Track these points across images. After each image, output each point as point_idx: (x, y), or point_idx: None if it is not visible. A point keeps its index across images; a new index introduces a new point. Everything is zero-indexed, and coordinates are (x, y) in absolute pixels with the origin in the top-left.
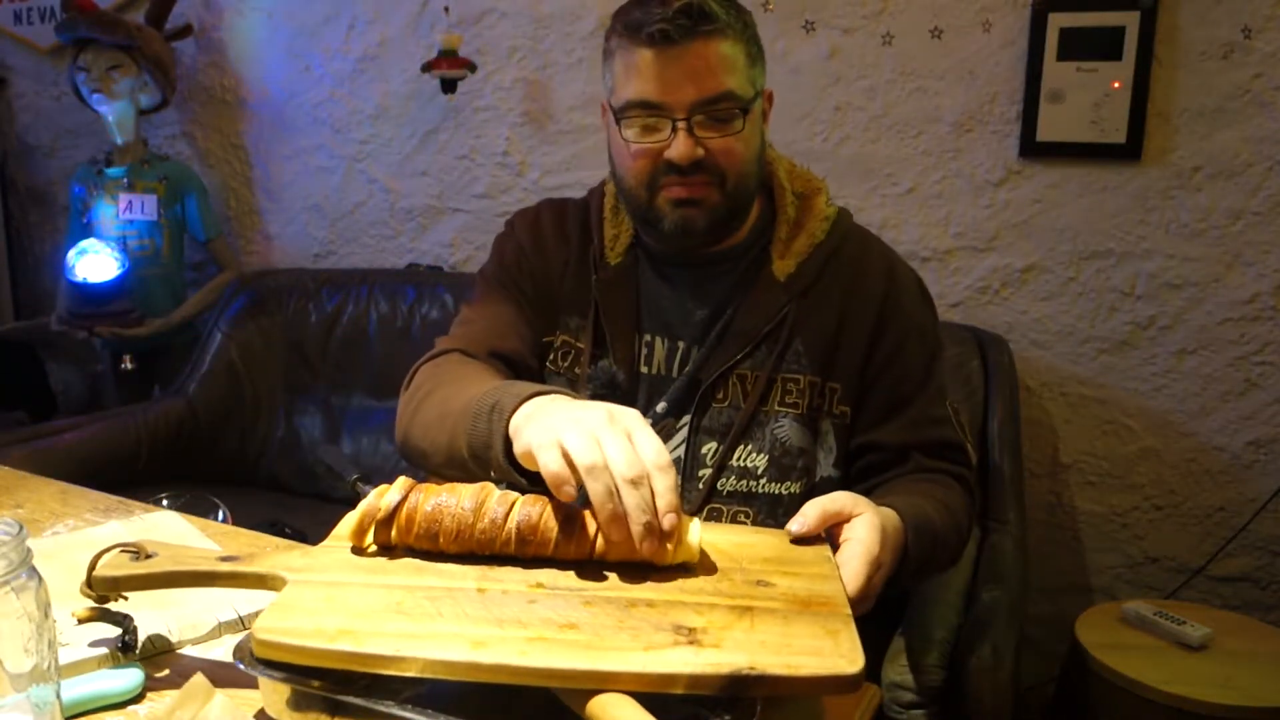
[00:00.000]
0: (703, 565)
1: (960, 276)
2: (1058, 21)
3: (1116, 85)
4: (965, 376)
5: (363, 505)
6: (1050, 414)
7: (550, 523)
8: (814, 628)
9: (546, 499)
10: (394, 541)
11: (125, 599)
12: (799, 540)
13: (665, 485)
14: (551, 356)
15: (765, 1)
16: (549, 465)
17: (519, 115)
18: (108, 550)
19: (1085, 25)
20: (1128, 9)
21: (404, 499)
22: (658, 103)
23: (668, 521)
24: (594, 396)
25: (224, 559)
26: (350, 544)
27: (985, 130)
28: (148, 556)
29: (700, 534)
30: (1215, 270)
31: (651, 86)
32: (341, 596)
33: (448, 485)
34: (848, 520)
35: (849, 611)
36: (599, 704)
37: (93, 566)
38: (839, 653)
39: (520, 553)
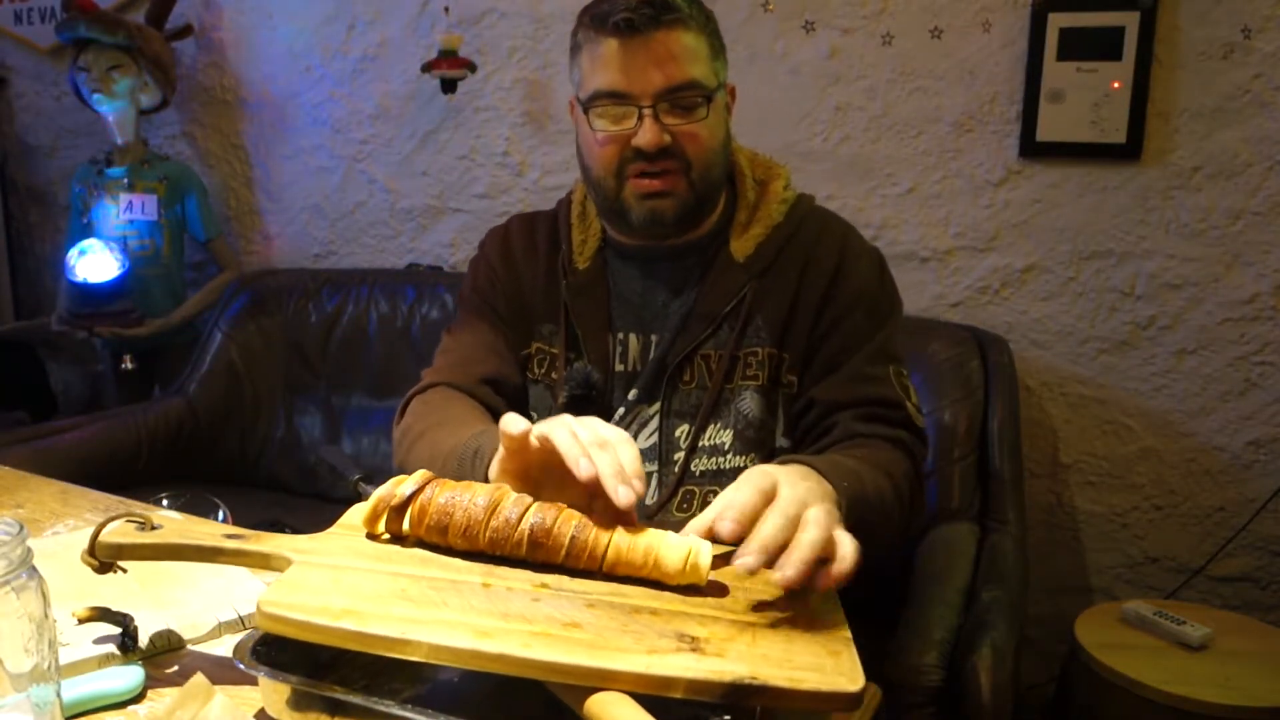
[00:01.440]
0: (706, 584)
1: (960, 276)
2: (1058, 21)
3: (1116, 85)
4: (965, 376)
5: (379, 491)
6: (1050, 414)
7: (564, 528)
8: (815, 647)
9: (562, 505)
10: (406, 532)
11: (124, 570)
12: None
13: (631, 455)
14: (529, 366)
15: (765, 1)
16: (512, 428)
17: (519, 115)
18: (114, 518)
19: (1085, 25)
20: (1128, 9)
21: (420, 489)
22: (624, 91)
23: (638, 484)
24: (571, 398)
25: (229, 535)
26: (360, 531)
27: (985, 130)
28: (154, 528)
29: (710, 559)
30: (1215, 270)
31: (617, 76)
32: (347, 579)
33: (464, 483)
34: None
35: (849, 635)
36: (598, 702)
37: (97, 533)
38: (840, 671)
39: (530, 556)
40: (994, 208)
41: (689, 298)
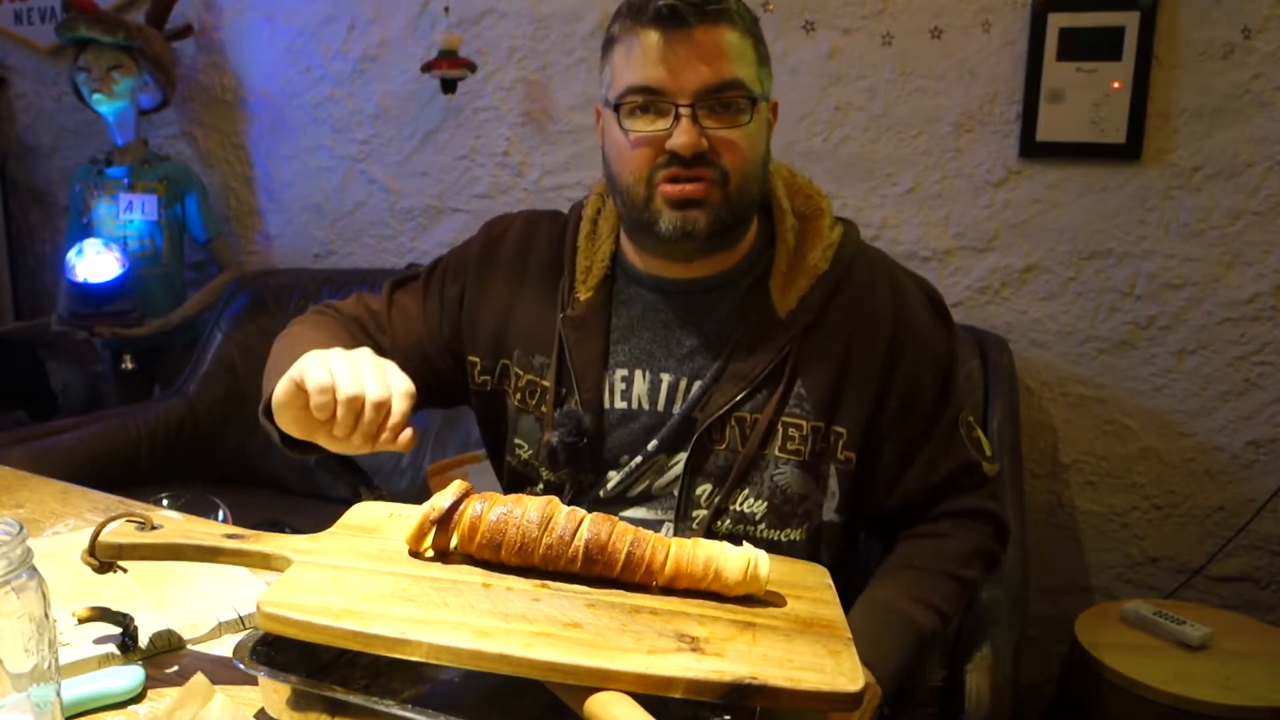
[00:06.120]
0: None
1: (960, 276)
2: (1058, 21)
3: (1116, 85)
4: (965, 376)
5: (423, 509)
6: (1050, 414)
7: (619, 543)
8: (815, 646)
9: (615, 518)
10: (458, 548)
11: (124, 570)
12: None
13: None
14: (519, 396)
15: (765, 1)
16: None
17: (519, 115)
18: (114, 518)
19: (1085, 25)
20: (1128, 9)
21: (457, 502)
22: (661, 88)
23: (404, 437)
24: (562, 441)
25: (229, 535)
26: (359, 532)
27: (985, 130)
28: (154, 528)
29: (769, 568)
30: (1215, 270)
31: (655, 70)
32: (347, 579)
33: (513, 496)
34: None
35: (849, 635)
36: (598, 701)
37: (97, 533)
38: (840, 671)
39: (585, 571)
40: (994, 208)
41: (724, 351)
